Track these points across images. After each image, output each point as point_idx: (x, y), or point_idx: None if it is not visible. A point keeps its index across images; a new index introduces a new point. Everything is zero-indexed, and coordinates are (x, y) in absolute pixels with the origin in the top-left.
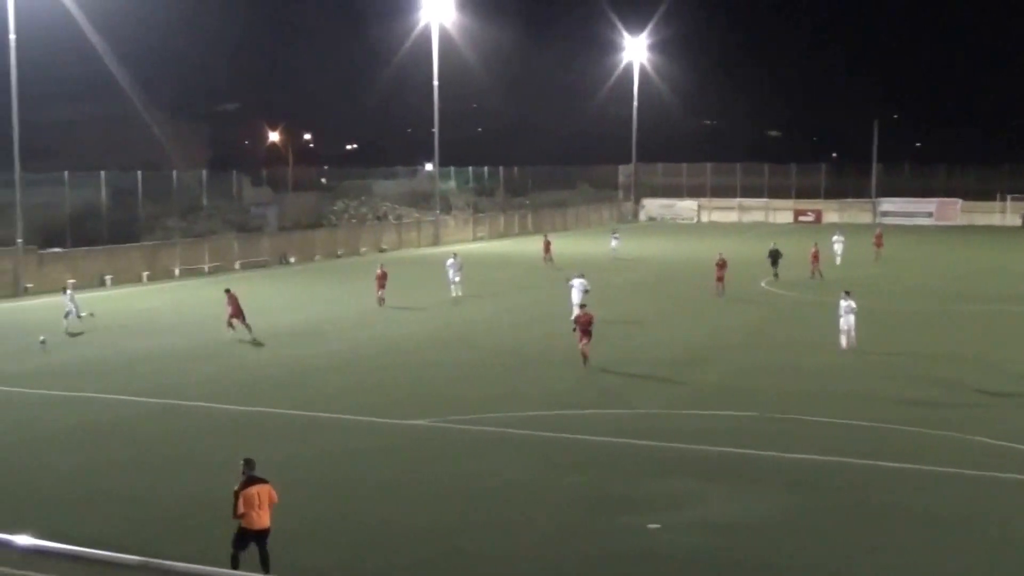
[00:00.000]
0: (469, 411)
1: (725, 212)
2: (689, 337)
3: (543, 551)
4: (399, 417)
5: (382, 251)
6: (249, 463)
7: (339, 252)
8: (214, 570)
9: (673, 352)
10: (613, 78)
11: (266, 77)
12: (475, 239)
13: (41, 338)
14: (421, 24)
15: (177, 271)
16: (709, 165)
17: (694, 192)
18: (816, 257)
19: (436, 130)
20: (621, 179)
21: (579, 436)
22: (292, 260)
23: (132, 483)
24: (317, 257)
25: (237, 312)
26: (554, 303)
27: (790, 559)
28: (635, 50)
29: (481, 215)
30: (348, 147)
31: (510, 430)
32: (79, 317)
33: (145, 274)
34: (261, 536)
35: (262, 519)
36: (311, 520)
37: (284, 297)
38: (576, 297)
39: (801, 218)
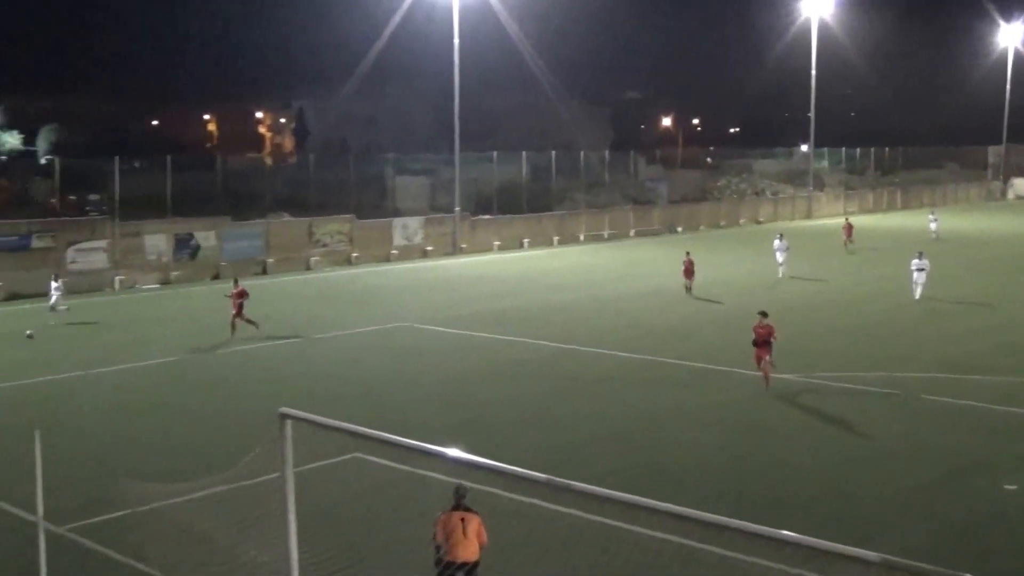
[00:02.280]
0: (837, 369)
1: None
2: None
3: (904, 501)
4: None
5: (758, 223)
6: (459, 491)
7: (721, 223)
8: (611, 492)
9: None
10: (987, 63)
11: (662, 68)
12: (845, 214)
13: (28, 332)
14: (801, 18)
15: (582, 237)
16: None
17: None
18: None
19: (812, 114)
20: (991, 159)
21: (942, 399)
22: (679, 229)
23: (528, 409)
24: (701, 227)
25: (239, 309)
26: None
27: None
28: (1010, 36)
29: (851, 192)
30: (731, 130)
31: (872, 388)
32: (54, 309)
33: (555, 238)
34: (467, 570)
35: (465, 551)
36: (700, 460)
37: (672, 263)
38: (919, 278)
39: None
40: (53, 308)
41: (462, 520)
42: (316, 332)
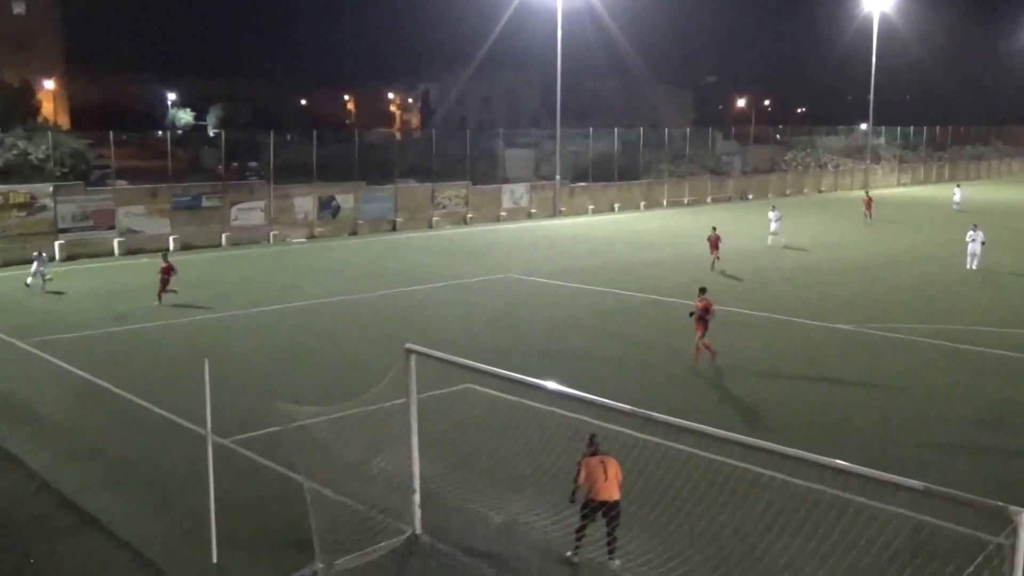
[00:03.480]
0: (886, 320)
1: None
2: None
3: (946, 440)
4: (830, 321)
5: (820, 192)
6: (593, 439)
7: (787, 192)
8: (688, 423)
9: None
10: None
11: (737, 56)
12: (899, 185)
13: (27, 281)
14: (864, 11)
15: (665, 202)
16: None
17: None
18: None
19: (871, 97)
20: None
21: (985, 349)
22: (750, 197)
23: (617, 350)
24: (770, 195)
25: (165, 283)
26: (953, 234)
27: None
28: None
29: (904, 165)
30: (799, 110)
31: (915, 338)
32: (35, 278)
33: (642, 203)
34: (608, 510)
35: (607, 491)
36: (770, 397)
37: (745, 225)
38: (974, 249)
39: None
40: (37, 276)
41: (602, 463)
42: (436, 280)
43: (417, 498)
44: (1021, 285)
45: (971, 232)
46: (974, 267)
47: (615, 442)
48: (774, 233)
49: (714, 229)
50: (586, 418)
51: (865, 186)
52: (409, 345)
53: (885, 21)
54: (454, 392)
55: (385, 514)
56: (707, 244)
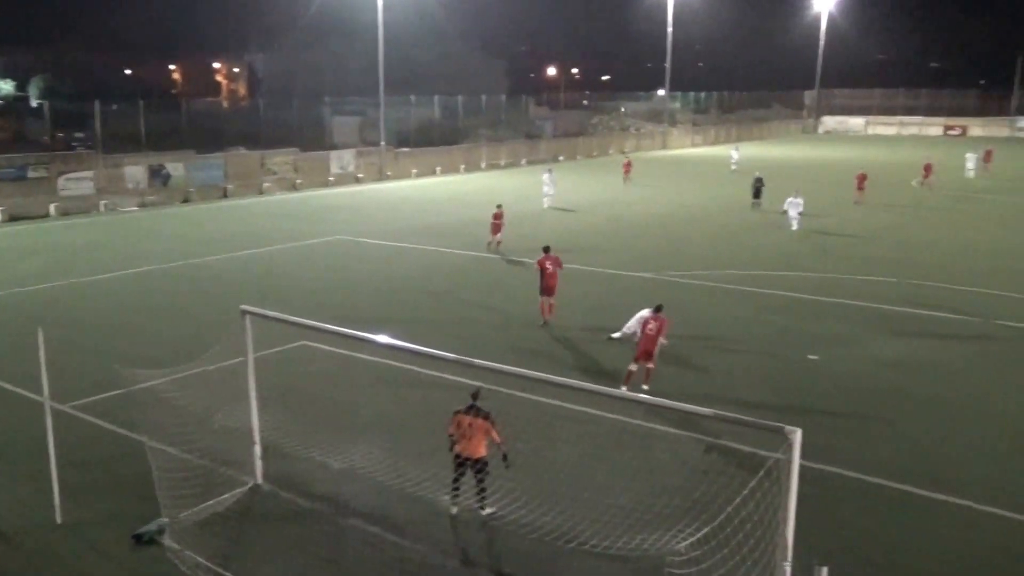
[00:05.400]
0: (681, 268)
1: (887, 127)
2: (865, 224)
3: (739, 368)
4: (633, 270)
5: (623, 153)
6: (475, 394)
7: (594, 153)
8: (506, 367)
9: (845, 230)
10: (807, 25)
11: (547, 27)
12: (693, 145)
13: None
14: None
15: (483, 165)
16: (877, 90)
17: (863, 111)
18: (928, 170)
19: (668, 65)
20: (807, 101)
21: (769, 291)
22: (561, 158)
23: (443, 304)
24: (579, 157)
25: None
26: (727, 192)
27: (921, 389)
28: (823, 3)
29: (698, 127)
30: (604, 78)
31: (713, 284)
32: None
33: (462, 166)
34: (474, 466)
35: (470, 448)
36: (582, 338)
37: (559, 185)
38: (794, 213)
39: (949, 132)
40: None
41: (471, 424)
42: (271, 244)
43: (258, 450)
44: (783, 235)
45: (791, 199)
46: (795, 228)
47: (438, 387)
48: (548, 195)
49: (499, 207)
50: (415, 367)
51: (663, 147)
52: (244, 306)
53: None
54: (291, 349)
55: (228, 467)
56: (490, 223)
